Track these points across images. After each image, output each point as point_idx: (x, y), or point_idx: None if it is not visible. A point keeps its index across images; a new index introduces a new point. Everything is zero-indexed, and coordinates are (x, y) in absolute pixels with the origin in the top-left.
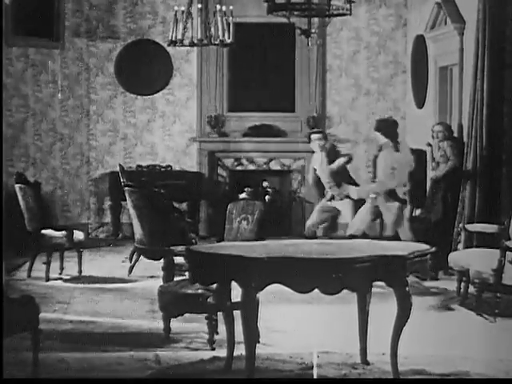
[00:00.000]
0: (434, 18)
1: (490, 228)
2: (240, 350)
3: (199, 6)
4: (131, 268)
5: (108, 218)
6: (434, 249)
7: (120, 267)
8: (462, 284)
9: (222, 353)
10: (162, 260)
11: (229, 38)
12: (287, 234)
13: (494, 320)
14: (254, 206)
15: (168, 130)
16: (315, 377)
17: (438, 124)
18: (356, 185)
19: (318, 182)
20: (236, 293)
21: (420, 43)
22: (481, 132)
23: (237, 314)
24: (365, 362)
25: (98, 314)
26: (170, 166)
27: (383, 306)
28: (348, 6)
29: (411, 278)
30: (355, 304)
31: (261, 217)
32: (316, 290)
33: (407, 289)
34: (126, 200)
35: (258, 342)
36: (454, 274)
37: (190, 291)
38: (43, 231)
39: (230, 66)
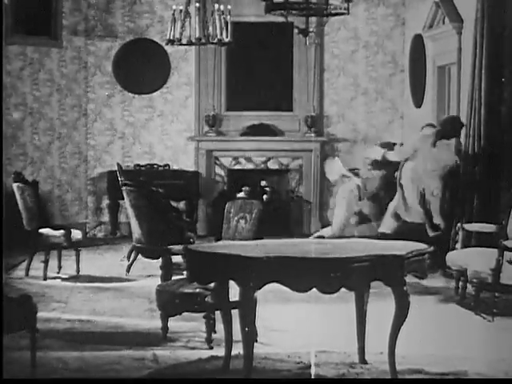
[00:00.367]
0: (432, 17)
1: (488, 227)
2: (238, 349)
3: (197, 4)
4: (129, 267)
5: (106, 217)
6: (431, 248)
7: (118, 266)
8: (460, 283)
9: (219, 352)
10: (159, 259)
11: (227, 37)
12: (285, 233)
13: (492, 319)
14: (252, 205)
15: (166, 129)
16: (313, 376)
17: (427, 125)
18: None
19: None
20: (234, 292)
21: (418, 42)
22: (479, 131)
23: (235, 313)
24: (363, 361)
25: (96, 313)
26: (168, 165)
27: (381, 306)
28: (346, 5)
29: (411, 279)
30: (353, 303)
31: (259, 216)
32: (314, 290)
33: (405, 288)
34: (124, 199)
35: (256, 341)
36: (452, 273)
37: (188, 290)
38: (41, 230)
39: (228, 65)
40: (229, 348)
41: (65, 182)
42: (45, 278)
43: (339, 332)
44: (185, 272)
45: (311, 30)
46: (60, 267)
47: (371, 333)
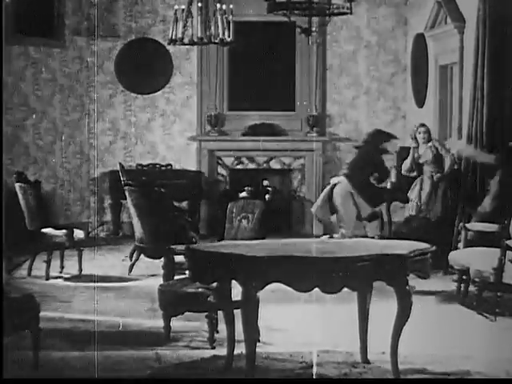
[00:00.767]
0: (434, 17)
1: (491, 227)
2: (240, 349)
3: (199, 4)
4: (131, 267)
5: (108, 217)
6: (434, 247)
7: (120, 266)
8: (463, 283)
9: (222, 351)
10: (162, 259)
11: (229, 37)
12: (287, 233)
13: (495, 319)
14: (255, 204)
15: (168, 128)
16: (315, 376)
17: (422, 125)
18: None
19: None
20: (236, 291)
21: (420, 42)
22: (481, 130)
23: (237, 312)
24: (365, 360)
25: (99, 312)
26: (170, 165)
27: (383, 305)
28: (348, 4)
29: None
30: (355, 303)
31: (261, 216)
32: (316, 289)
33: (407, 288)
34: (126, 199)
35: (259, 340)
36: (454, 273)
37: (190, 290)
38: (43, 230)
39: (230, 65)
40: (231, 348)
41: (67, 182)
42: (47, 278)
43: (341, 332)
44: (187, 272)
45: (314, 29)
46: (62, 267)
47: (373, 332)
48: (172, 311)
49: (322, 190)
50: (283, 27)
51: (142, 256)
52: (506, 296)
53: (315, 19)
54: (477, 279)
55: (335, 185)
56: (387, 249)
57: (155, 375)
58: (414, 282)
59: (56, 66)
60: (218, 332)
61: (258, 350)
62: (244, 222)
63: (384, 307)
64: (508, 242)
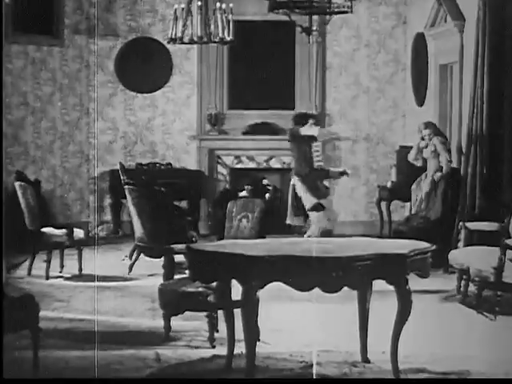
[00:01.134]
0: (434, 16)
1: (491, 226)
2: (240, 349)
3: (199, 3)
4: (131, 266)
5: (108, 216)
6: (434, 247)
7: (120, 265)
8: (463, 282)
9: (222, 351)
10: (162, 258)
11: (229, 36)
12: (287, 232)
13: (495, 318)
14: (254, 203)
15: (168, 127)
16: (315, 375)
17: (426, 128)
18: None
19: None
20: (236, 291)
21: (420, 41)
22: (481, 129)
23: (237, 312)
24: (365, 360)
25: (99, 312)
26: (170, 164)
27: (384, 304)
28: (349, 3)
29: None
30: (355, 302)
31: (261, 215)
32: (316, 289)
33: (408, 287)
34: (126, 198)
35: (259, 340)
36: (454, 272)
37: (190, 289)
38: (43, 229)
39: (230, 64)
40: (231, 347)
41: (67, 181)
42: (47, 277)
43: (342, 331)
44: (187, 271)
45: (314, 28)
46: (62, 266)
47: (373, 332)
48: (172, 310)
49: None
50: (283, 26)
51: (141, 255)
52: (506, 295)
53: (315, 18)
54: (477, 278)
55: (294, 186)
56: (387, 248)
57: (155, 375)
58: (415, 281)
59: (56, 65)
60: (218, 331)
61: (257, 349)
62: (244, 221)
63: (384, 306)
64: (508, 241)
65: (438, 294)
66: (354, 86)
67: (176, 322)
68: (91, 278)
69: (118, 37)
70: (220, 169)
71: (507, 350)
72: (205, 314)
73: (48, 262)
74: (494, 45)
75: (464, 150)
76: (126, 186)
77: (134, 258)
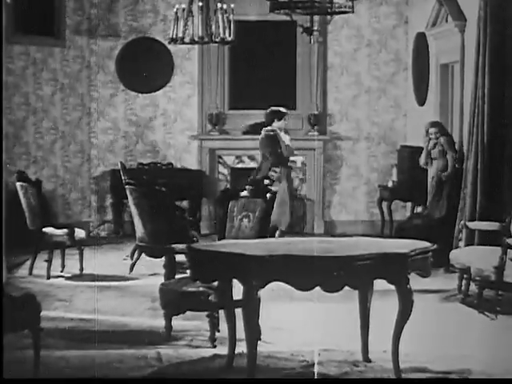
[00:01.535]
0: (435, 16)
1: (492, 225)
2: (241, 348)
3: (200, 3)
4: (132, 266)
5: (109, 216)
6: (435, 246)
7: (121, 265)
8: (464, 282)
9: (223, 350)
10: (163, 258)
11: (230, 36)
12: (288, 231)
13: (496, 318)
14: (255, 203)
15: (169, 127)
16: (316, 374)
17: (432, 127)
18: None
19: None
20: (237, 290)
21: (421, 41)
22: (482, 129)
23: (238, 311)
24: (366, 359)
25: (99, 311)
26: (171, 164)
27: (385, 304)
28: (350, 3)
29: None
30: (356, 301)
31: (262, 215)
32: (317, 288)
33: (409, 286)
34: (127, 198)
35: (260, 339)
36: (455, 271)
37: (191, 289)
38: (44, 229)
39: (231, 64)
40: (232, 346)
41: (68, 181)
42: (48, 277)
43: (342, 330)
44: (188, 271)
45: (315, 28)
46: (63, 266)
47: (375, 331)
48: (173, 310)
49: (323, 189)
50: (284, 26)
51: (142, 255)
52: (507, 295)
53: (316, 18)
54: (478, 278)
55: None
56: (388, 247)
57: (156, 374)
58: (415, 280)
59: (57, 66)
60: (219, 331)
61: (258, 348)
62: (245, 220)
63: (385, 306)
64: (509, 240)
65: (439, 294)
66: (355, 86)
67: (177, 322)
68: (92, 277)
69: (119, 37)
70: (221, 169)
71: (508, 350)
72: (206, 313)
73: (49, 261)
74: (495, 45)
75: (465, 150)
76: (127, 186)
77: (135, 257)
